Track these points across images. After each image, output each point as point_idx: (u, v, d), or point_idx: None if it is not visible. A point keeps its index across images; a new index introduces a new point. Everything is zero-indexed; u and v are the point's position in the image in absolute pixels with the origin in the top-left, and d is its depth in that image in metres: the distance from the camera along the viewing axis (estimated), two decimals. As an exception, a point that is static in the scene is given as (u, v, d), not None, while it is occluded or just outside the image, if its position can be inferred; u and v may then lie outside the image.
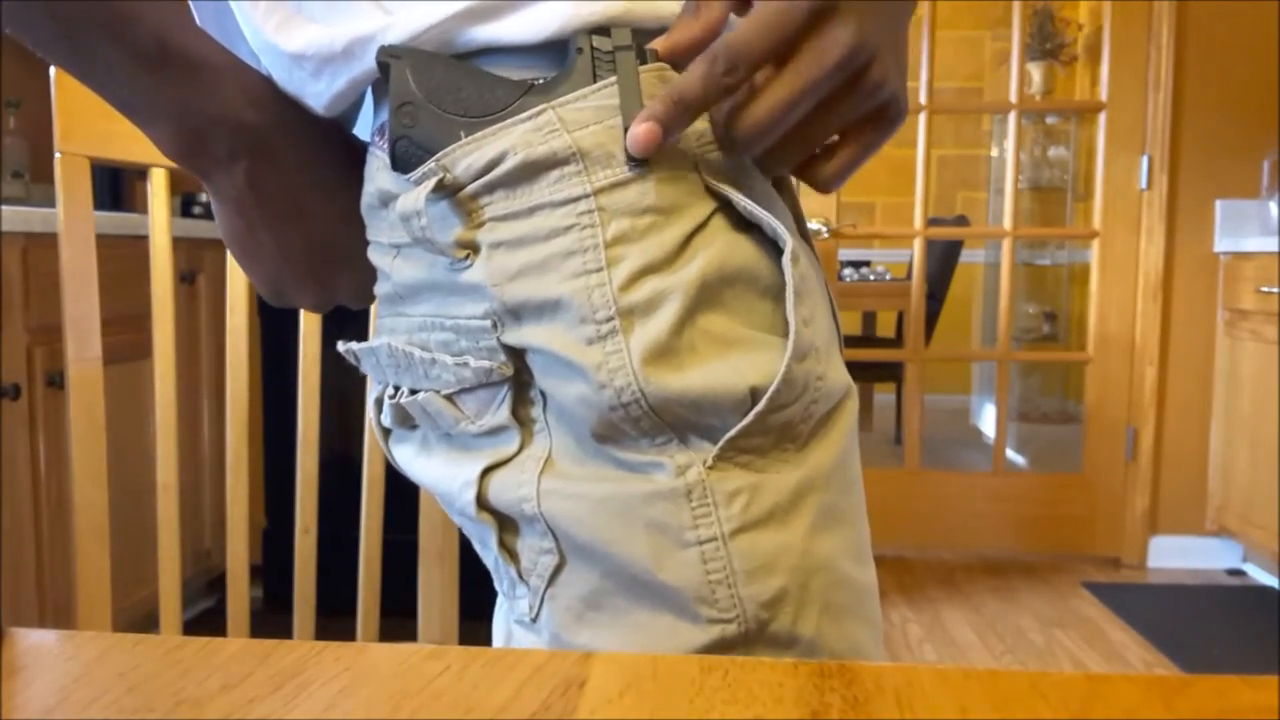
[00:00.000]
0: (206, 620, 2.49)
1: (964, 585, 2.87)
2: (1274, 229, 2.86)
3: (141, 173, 2.93)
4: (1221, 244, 2.93)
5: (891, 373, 4.25)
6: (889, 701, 0.33)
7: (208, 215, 3.01)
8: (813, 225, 3.09)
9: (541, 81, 0.47)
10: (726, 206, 0.48)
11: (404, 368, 0.52)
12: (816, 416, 0.49)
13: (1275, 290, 2.63)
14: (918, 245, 3.17)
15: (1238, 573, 2.97)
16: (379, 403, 0.55)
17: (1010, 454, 4.13)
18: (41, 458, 1.89)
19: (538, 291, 0.46)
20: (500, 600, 0.54)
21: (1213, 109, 2.94)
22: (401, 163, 0.48)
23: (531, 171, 0.46)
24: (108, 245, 2.05)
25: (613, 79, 0.46)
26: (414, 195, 0.47)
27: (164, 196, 0.87)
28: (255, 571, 2.49)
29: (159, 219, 0.87)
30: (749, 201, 0.47)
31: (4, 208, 1.78)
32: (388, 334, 0.53)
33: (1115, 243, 3.03)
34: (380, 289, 0.53)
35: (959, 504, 3.13)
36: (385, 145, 0.50)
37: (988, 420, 4.68)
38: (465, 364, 0.48)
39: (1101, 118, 3.03)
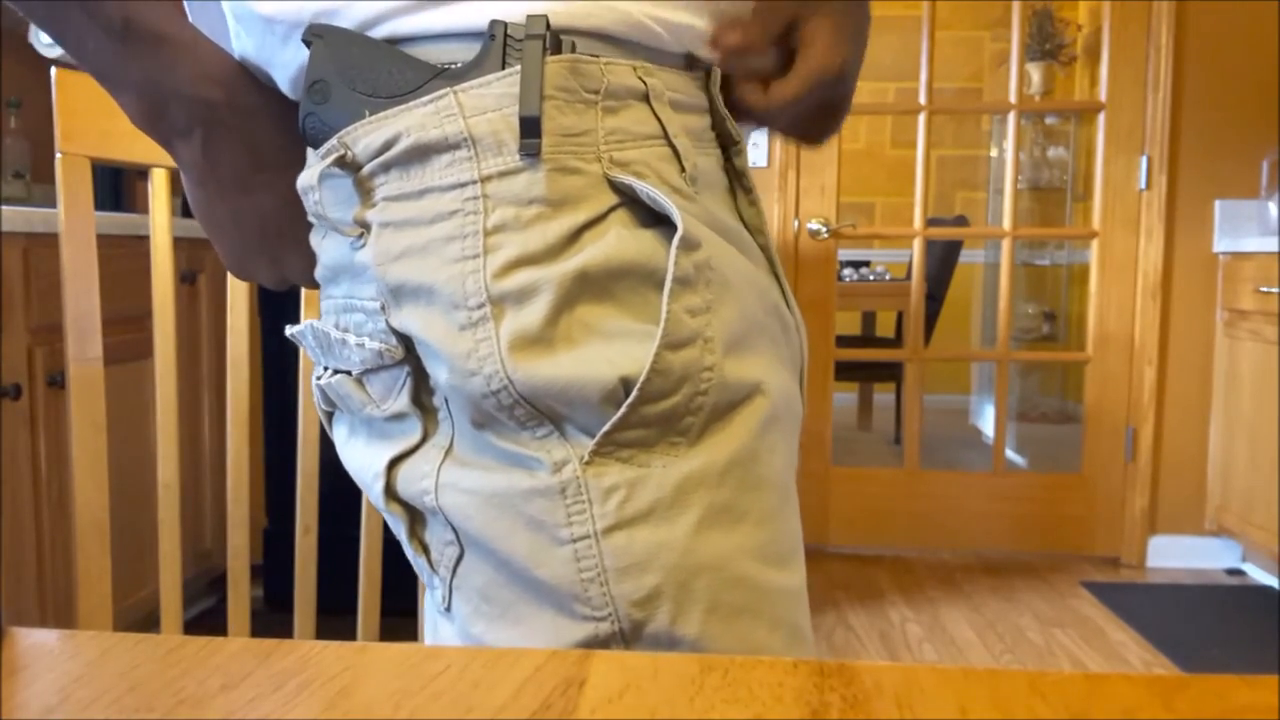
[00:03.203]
0: (207, 620, 2.49)
1: (964, 585, 2.87)
2: (1273, 229, 2.86)
3: (142, 173, 2.93)
4: (1221, 244, 2.94)
5: (891, 373, 4.25)
6: (889, 701, 0.33)
7: (207, 215, 3.01)
8: (813, 225, 3.09)
9: (455, 66, 0.47)
10: (633, 202, 0.48)
11: (325, 349, 0.52)
12: (707, 409, 0.47)
13: (1274, 290, 2.63)
14: (917, 245, 3.17)
15: (1237, 572, 2.97)
16: (318, 385, 0.55)
17: (1010, 454, 4.13)
18: (42, 458, 1.89)
19: (415, 275, 0.46)
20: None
21: (1212, 109, 2.94)
22: (310, 139, 0.49)
23: (423, 154, 0.46)
24: (108, 245, 2.06)
25: (515, 68, 0.46)
26: (311, 171, 0.48)
27: (164, 196, 0.87)
28: (256, 571, 2.49)
29: (160, 219, 0.87)
30: (653, 190, 0.47)
31: (5, 208, 1.78)
32: (320, 314, 0.54)
33: (1114, 243, 3.03)
34: (316, 271, 0.54)
35: (959, 504, 3.13)
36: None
37: (987, 420, 4.68)
38: (362, 344, 0.49)
39: (1101, 118, 3.03)
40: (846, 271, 4.20)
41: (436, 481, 0.48)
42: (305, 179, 0.49)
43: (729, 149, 0.57)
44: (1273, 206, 2.87)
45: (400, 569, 1.32)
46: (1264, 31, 2.91)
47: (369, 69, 0.47)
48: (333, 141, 0.48)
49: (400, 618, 1.37)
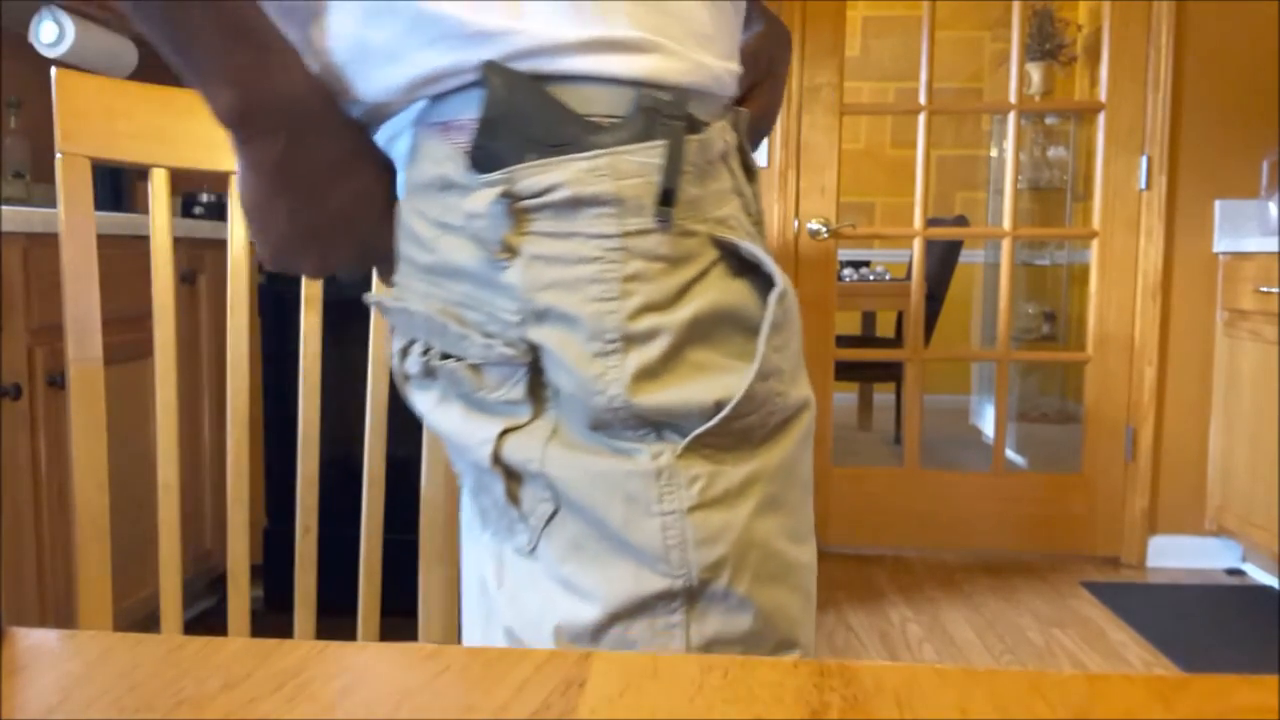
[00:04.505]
0: (207, 620, 2.49)
1: (964, 585, 2.87)
2: (1273, 229, 2.86)
3: (142, 173, 2.94)
4: (1221, 244, 2.94)
5: (891, 373, 4.25)
6: (889, 701, 0.33)
7: (208, 215, 3.01)
8: (813, 225, 3.09)
9: (605, 124, 0.56)
10: (728, 254, 0.59)
11: (437, 333, 0.60)
12: (772, 425, 0.59)
13: (1274, 290, 2.63)
14: (917, 245, 3.17)
15: (1237, 572, 2.97)
16: (404, 352, 0.63)
17: (1010, 454, 4.13)
18: (42, 458, 1.89)
19: (561, 304, 0.56)
20: (471, 535, 0.66)
21: (1212, 109, 2.94)
22: (475, 165, 0.57)
23: (577, 204, 0.55)
24: (108, 245, 2.05)
25: (662, 142, 0.56)
26: (482, 199, 0.56)
27: (165, 197, 0.87)
28: (256, 571, 2.49)
29: (160, 219, 0.87)
30: (753, 248, 0.58)
31: (5, 208, 1.78)
32: (420, 298, 0.61)
33: (1114, 243, 3.03)
34: (420, 257, 0.61)
35: (959, 504, 3.13)
36: (460, 140, 0.58)
37: (987, 420, 4.68)
38: (492, 346, 0.57)
39: (1101, 118, 3.03)
40: (846, 271, 4.20)
41: (543, 454, 0.58)
42: (475, 204, 0.56)
43: (750, 178, 0.68)
44: (1273, 206, 2.87)
45: (400, 569, 1.32)
46: (1264, 31, 2.91)
47: (536, 117, 0.56)
48: (499, 175, 0.56)
49: (400, 618, 1.37)
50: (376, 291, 0.69)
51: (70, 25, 2.52)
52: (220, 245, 2.54)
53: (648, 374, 0.56)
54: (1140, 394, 3.02)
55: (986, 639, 2.46)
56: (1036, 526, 3.12)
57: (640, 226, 0.56)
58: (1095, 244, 3.05)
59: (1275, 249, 2.63)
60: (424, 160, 0.60)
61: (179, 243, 2.37)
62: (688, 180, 0.57)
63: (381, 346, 0.95)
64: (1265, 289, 2.67)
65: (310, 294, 0.93)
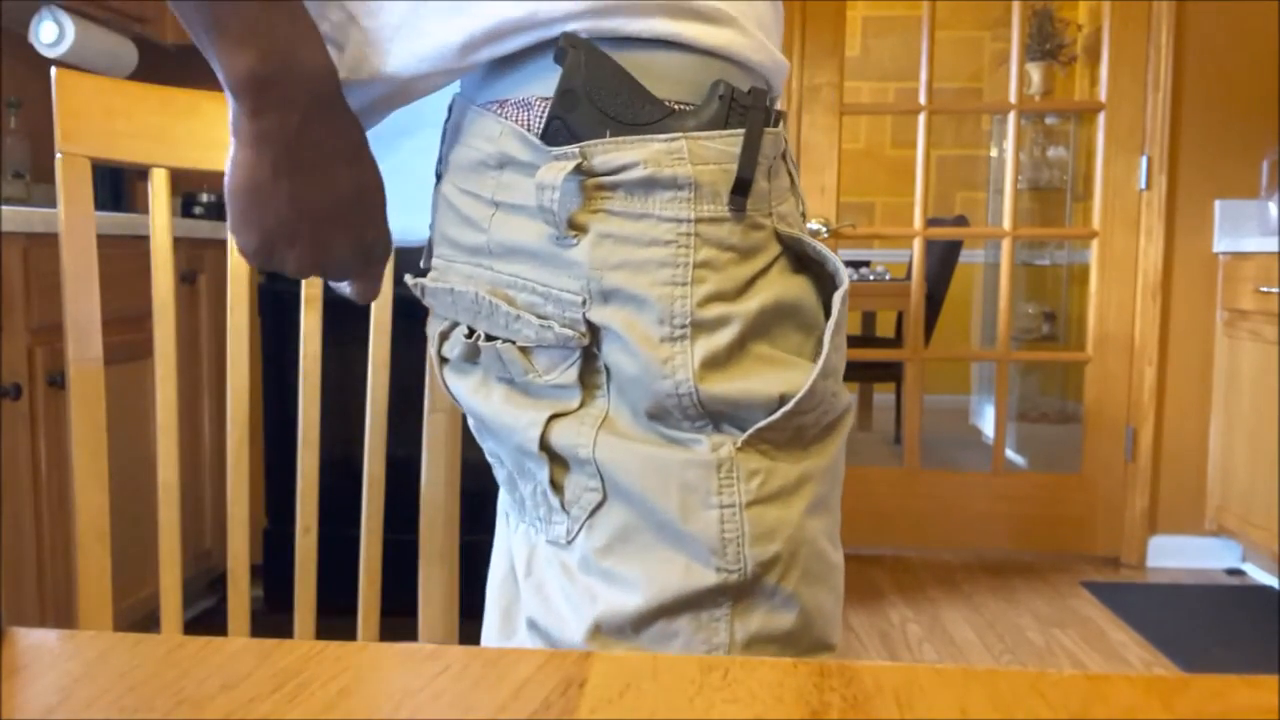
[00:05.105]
0: (207, 620, 2.49)
1: (964, 585, 2.87)
2: (1273, 229, 2.86)
3: (142, 173, 2.93)
4: (1220, 244, 2.94)
5: (891, 373, 4.24)
6: (889, 701, 0.33)
7: (208, 215, 3.01)
8: (813, 225, 3.09)
9: (682, 109, 0.55)
10: (789, 250, 0.58)
11: (483, 315, 0.59)
12: (823, 424, 0.59)
13: (1274, 290, 2.63)
14: (917, 245, 3.17)
15: (1237, 572, 2.97)
16: (443, 335, 0.63)
17: (1009, 454, 4.13)
18: (42, 458, 1.89)
19: (630, 285, 0.55)
20: (506, 525, 0.64)
21: (1212, 109, 2.94)
22: (548, 138, 0.55)
23: (652, 185, 0.54)
24: (108, 245, 2.05)
25: (740, 131, 0.55)
26: (555, 170, 0.54)
27: (165, 196, 0.87)
28: (256, 571, 2.49)
29: (160, 219, 0.87)
30: (819, 245, 0.58)
31: (4, 208, 1.77)
32: (464, 279, 0.60)
33: (1114, 243, 3.03)
34: (467, 238, 0.60)
35: (959, 504, 3.13)
36: (530, 116, 0.56)
37: (987, 420, 4.68)
38: (549, 327, 0.56)
39: (1101, 118, 3.03)
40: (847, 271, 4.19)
41: (594, 440, 0.57)
42: (547, 176, 0.54)
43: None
44: (1273, 206, 2.87)
45: (400, 569, 1.32)
46: (1264, 31, 2.91)
47: (614, 93, 0.55)
48: (574, 149, 0.55)
49: (400, 618, 1.37)
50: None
51: (70, 25, 2.52)
52: (220, 245, 2.54)
53: (714, 363, 0.55)
54: (1140, 394, 3.02)
55: (986, 639, 2.46)
56: (1036, 526, 3.12)
57: (714, 214, 0.55)
58: (1095, 244, 3.05)
59: (1275, 249, 2.63)
60: (474, 138, 0.59)
61: (179, 243, 2.37)
62: (760, 173, 0.56)
63: (382, 347, 0.95)
64: (1265, 289, 2.67)
65: (310, 294, 0.93)
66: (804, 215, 0.64)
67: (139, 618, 2.23)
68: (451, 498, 0.96)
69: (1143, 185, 2.98)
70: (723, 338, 0.55)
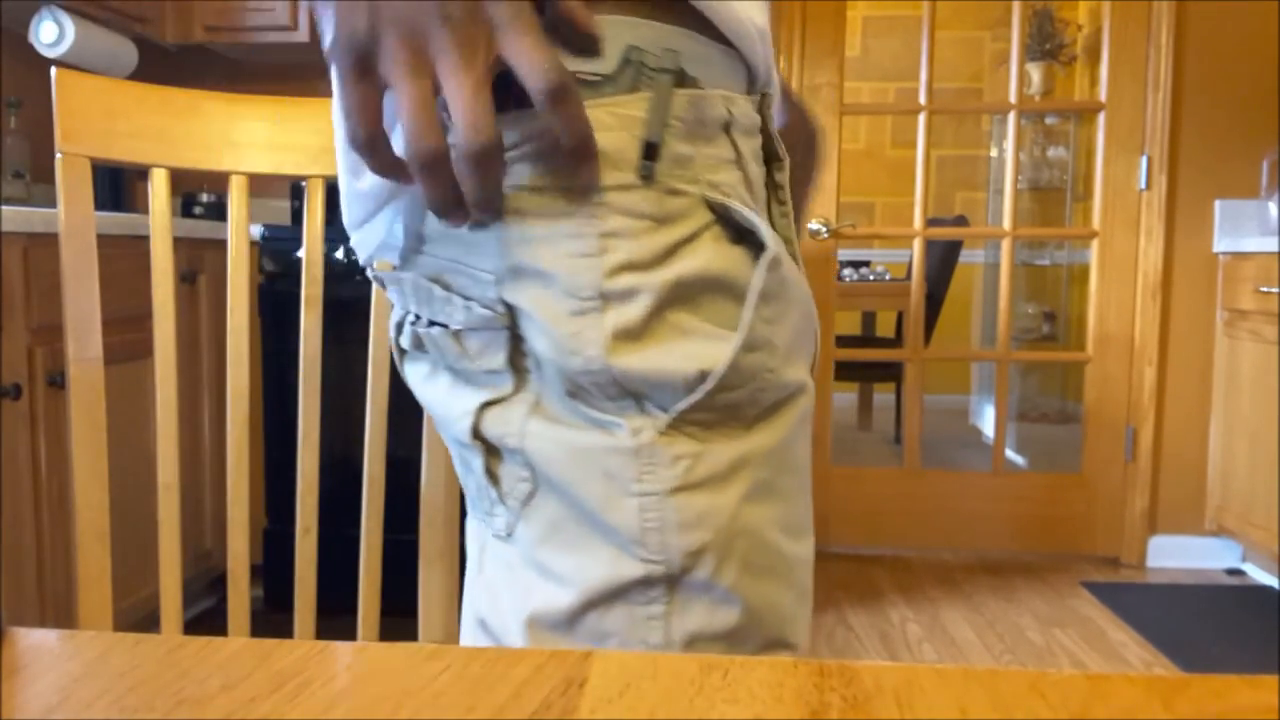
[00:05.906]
0: (207, 620, 2.49)
1: (963, 585, 2.87)
2: (1273, 229, 2.86)
3: (142, 173, 2.93)
4: (1221, 244, 2.94)
5: (891, 373, 4.25)
6: (889, 701, 0.33)
7: (208, 215, 3.01)
8: (813, 225, 3.09)
9: (590, 79, 0.52)
10: (722, 220, 0.55)
11: (424, 300, 0.58)
12: (764, 404, 0.55)
13: (1274, 290, 2.63)
14: (917, 245, 3.17)
15: (1237, 572, 2.97)
16: (399, 326, 0.61)
17: (1010, 454, 4.13)
18: (42, 458, 1.89)
19: (536, 260, 0.52)
20: (472, 518, 0.62)
21: (1212, 109, 2.94)
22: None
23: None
24: (108, 245, 2.06)
25: (645, 94, 0.52)
26: None
27: (164, 196, 0.87)
28: (256, 571, 2.49)
29: (160, 219, 0.87)
30: (747, 212, 0.54)
31: (4, 208, 1.78)
32: (411, 266, 0.59)
33: (1114, 243, 3.03)
34: (415, 224, 0.58)
35: (958, 504, 3.13)
36: None
37: (987, 420, 4.68)
38: (471, 308, 0.55)
39: (1101, 118, 3.03)
40: (846, 271, 4.20)
41: (523, 429, 0.55)
42: None
43: (772, 164, 0.63)
44: (1273, 206, 2.87)
45: (400, 569, 1.32)
46: (1264, 31, 2.91)
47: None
48: None
49: (400, 618, 1.37)
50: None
51: (70, 25, 2.52)
52: (220, 245, 2.54)
53: (627, 335, 0.52)
54: (1140, 394, 3.02)
55: (986, 639, 2.46)
56: (1036, 526, 3.12)
57: (620, 181, 0.52)
58: (1095, 244, 3.05)
59: (1275, 249, 2.63)
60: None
61: (179, 243, 2.37)
62: (675, 136, 0.53)
63: (382, 347, 0.95)
64: (1265, 289, 2.67)
65: (310, 294, 0.93)
66: (796, 209, 0.60)
67: (139, 618, 2.23)
68: (451, 498, 0.96)
69: (1143, 185, 2.98)
70: (635, 309, 0.52)
